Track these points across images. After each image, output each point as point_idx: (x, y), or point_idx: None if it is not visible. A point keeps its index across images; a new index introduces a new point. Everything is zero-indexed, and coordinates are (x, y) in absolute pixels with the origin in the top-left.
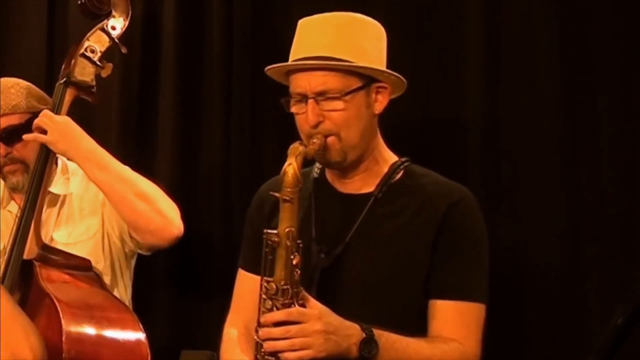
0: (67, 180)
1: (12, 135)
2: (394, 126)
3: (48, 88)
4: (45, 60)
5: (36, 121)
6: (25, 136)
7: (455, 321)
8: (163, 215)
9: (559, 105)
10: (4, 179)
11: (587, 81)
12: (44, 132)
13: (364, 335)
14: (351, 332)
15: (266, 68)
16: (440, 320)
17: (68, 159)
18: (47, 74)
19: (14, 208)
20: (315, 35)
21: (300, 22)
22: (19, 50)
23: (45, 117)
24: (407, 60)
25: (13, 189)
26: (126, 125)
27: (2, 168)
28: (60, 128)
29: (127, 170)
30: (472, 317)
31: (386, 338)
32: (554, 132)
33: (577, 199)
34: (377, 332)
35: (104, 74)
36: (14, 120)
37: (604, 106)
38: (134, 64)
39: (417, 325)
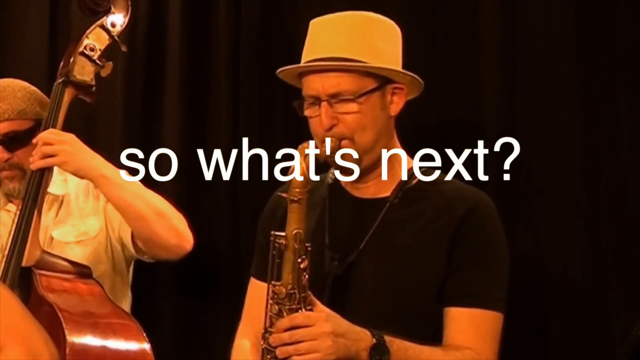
0: (64, 181)
1: (15, 141)
2: (408, 129)
3: (49, 88)
4: (47, 60)
5: (40, 139)
6: (35, 164)
7: (471, 329)
8: (177, 232)
9: (578, 108)
10: (0, 184)
11: (607, 82)
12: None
13: (374, 340)
14: (361, 336)
15: (278, 70)
16: (455, 328)
17: (80, 177)
18: (48, 74)
19: (12, 208)
20: (328, 36)
21: (312, 22)
22: (20, 50)
23: (50, 138)
24: (422, 61)
25: (9, 195)
26: (130, 127)
27: (0, 173)
28: (68, 148)
29: (141, 187)
30: (488, 326)
31: (398, 345)
32: (573, 135)
33: (597, 205)
34: (389, 339)
35: (104, 73)
36: (17, 126)
37: (623, 110)
38: (139, 65)
39: (432, 334)
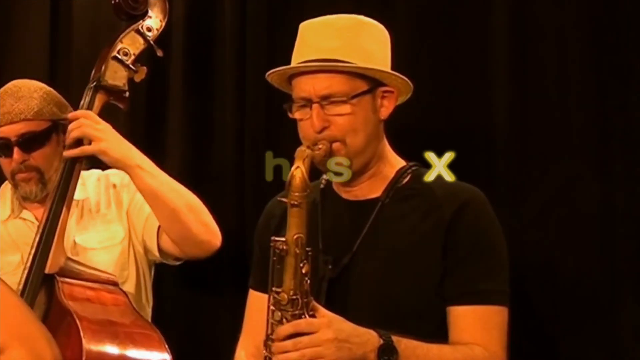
0: (82, 185)
1: (31, 142)
2: (417, 131)
3: None
4: (47, 61)
5: (74, 133)
6: (69, 152)
7: (477, 327)
8: (208, 227)
9: (591, 109)
10: (16, 187)
11: (622, 81)
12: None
13: (381, 341)
14: (367, 338)
15: (267, 73)
16: (461, 327)
17: (117, 168)
18: (49, 76)
19: (27, 215)
20: (318, 39)
21: (302, 25)
22: (21, 52)
23: (88, 125)
24: (430, 63)
25: (25, 198)
26: (133, 128)
27: (15, 175)
28: (109, 135)
29: (173, 180)
30: (494, 321)
31: (405, 344)
32: (586, 137)
33: (609, 208)
34: (396, 338)
35: (138, 78)
36: (34, 126)
37: (638, 110)
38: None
39: (432, 332)
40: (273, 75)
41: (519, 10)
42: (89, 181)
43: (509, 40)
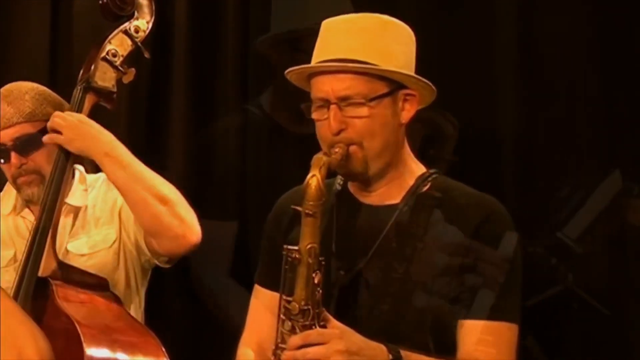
0: (84, 191)
1: (27, 145)
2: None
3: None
4: (48, 62)
5: (49, 123)
6: (43, 139)
7: (487, 342)
8: (183, 221)
9: (599, 113)
10: (18, 191)
11: (629, 85)
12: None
13: (390, 356)
14: (376, 352)
15: (286, 71)
16: (471, 341)
17: (87, 157)
18: (49, 76)
19: (28, 215)
20: (340, 38)
21: (324, 22)
22: (21, 52)
23: (58, 117)
24: (436, 67)
25: (27, 201)
26: (135, 128)
27: (16, 179)
28: (74, 126)
29: (148, 171)
30: (504, 338)
31: (414, 359)
32: (594, 141)
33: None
34: (405, 353)
35: (126, 79)
36: (28, 129)
37: None
38: (144, 64)
39: (444, 347)
40: (292, 73)
41: (526, 12)
42: (92, 188)
43: (516, 42)
